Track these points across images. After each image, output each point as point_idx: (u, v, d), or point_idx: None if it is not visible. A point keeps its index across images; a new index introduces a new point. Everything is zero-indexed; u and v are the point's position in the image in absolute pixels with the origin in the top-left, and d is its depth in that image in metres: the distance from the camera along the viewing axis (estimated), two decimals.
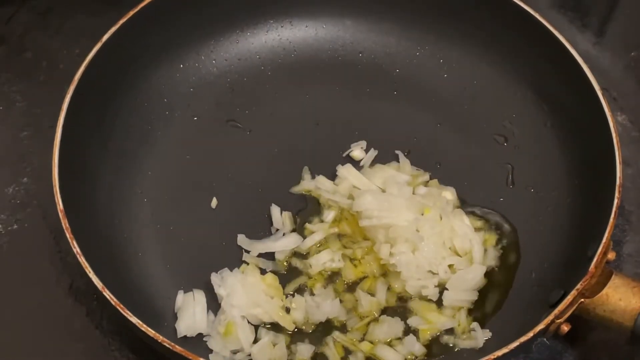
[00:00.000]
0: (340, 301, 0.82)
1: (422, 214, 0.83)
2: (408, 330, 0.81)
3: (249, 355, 0.79)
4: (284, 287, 0.83)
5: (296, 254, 0.85)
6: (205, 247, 0.86)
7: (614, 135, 0.81)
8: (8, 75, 0.99)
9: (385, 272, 0.83)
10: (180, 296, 0.82)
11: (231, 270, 0.83)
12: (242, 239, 0.85)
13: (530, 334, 0.73)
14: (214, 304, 0.82)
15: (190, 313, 0.80)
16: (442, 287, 0.82)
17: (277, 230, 0.86)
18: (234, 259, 0.84)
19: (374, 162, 0.91)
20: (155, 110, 0.93)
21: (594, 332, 0.83)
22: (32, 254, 0.88)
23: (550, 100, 0.91)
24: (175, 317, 0.81)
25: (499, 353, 0.72)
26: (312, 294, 0.83)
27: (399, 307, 0.83)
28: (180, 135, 0.93)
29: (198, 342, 0.80)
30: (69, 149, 0.81)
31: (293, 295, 0.82)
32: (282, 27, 0.99)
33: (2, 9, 1.03)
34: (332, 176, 0.89)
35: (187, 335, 0.80)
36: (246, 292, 0.81)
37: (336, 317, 0.81)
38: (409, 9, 0.97)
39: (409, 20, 0.98)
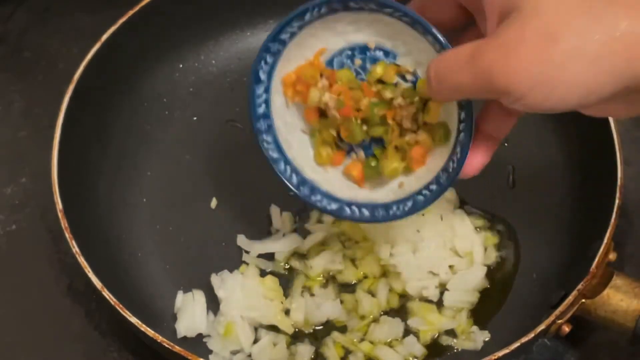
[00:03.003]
0: (341, 302, 0.82)
1: (423, 214, 0.83)
2: (408, 331, 0.81)
3: (249, 355, 0.79)
4: (284, 289, 0.83)
5: (296, 254, 0.85)
6: (205, 247, 0.85)
7: (614, 134, 0.80)
8: (6, 75, 0.99)
9: (385, 272, 0.83)
10: (180, 296, 0.82)
11: (231, 272, 0.83)
12: (241, 239, 0.85)
13: (531, 335, 0.73)
14: (213, 304, 0.81)
15: (190, 313, 0.80)
16: (442, 288, 0.82)
17: (277, 230, 0.86)
18: (234, 259, 0.84)
19: None
20: (154, 110, 0.93)
21: (595, 333, 0.83)
22: (30, 255, 0.88)
23: None
24: (174, 318, 0.81)
25: (500, 354, 0.72)
26: (312, 294, 0.82)
27: (400, 308, 0.82)
28: (180, 135, 0.92)
29: (198, 343, 0.80)
30: (68, 149, 0.80)
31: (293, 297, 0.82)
32: None
33: (0, 8, 1.03)
34: None
35: (187, 336, 0.80)
36: (245, 295, 0.80)
37: (336, 318, 0.81)
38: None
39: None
